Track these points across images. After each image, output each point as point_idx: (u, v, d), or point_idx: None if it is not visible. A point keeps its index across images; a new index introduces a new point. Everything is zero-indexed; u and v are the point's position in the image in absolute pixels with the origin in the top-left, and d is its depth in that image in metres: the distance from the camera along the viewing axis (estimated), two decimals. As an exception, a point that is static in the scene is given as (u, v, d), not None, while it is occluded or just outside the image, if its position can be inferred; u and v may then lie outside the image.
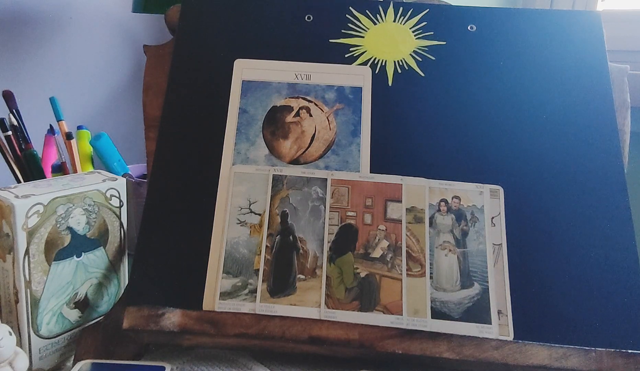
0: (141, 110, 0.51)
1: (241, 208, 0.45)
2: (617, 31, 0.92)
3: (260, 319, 0.41)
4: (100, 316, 0.46)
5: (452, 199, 0.45)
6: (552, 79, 0.48)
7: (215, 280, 0.42)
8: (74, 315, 0.44)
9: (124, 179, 0.47)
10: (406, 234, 0.44)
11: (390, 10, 0.51)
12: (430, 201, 0.45)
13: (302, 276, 0.43)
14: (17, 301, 0.40)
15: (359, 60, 0.49)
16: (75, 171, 0.59)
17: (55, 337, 0.43)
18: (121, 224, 0.47)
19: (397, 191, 0.45)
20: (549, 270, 0.42)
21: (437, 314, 0.41)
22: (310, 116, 0.48)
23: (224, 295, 0.42)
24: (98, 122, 0.86)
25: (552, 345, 0.40)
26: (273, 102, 0.48)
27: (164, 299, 0.42)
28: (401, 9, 0.51)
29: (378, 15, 0.51)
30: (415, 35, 0.50)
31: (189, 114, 0.48)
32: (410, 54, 0.50)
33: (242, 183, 0.45)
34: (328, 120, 0.48)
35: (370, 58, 0.50)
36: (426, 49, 0.50)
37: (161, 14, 0.59)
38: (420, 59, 0.49)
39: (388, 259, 0.43)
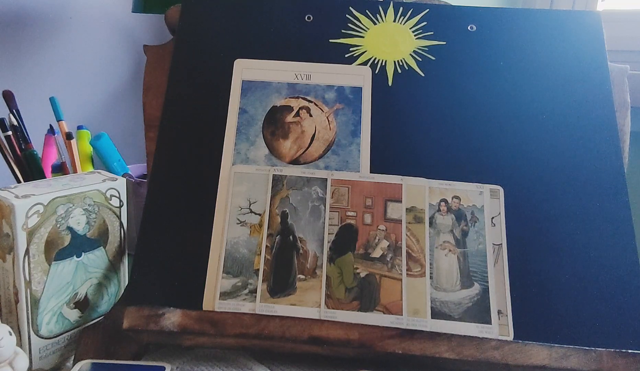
0: (141, 110, 0.51)
1: (241, 208, 0.45)
2: (617, 31, 0.92)
3: (260, 319, 0.41)
4: (100, 316, 0.46)
5: (452, 199, 0.45)
6: (552, 79, 0.48)
7: (215, 280, 0.42)
8: (74, 315, 0.44)
9: (124, 179, 0.47)
10: (406, 234, 0.44)
11: (390, 10, 0.51)
12: (430, 201, 0.45)
13: (302, 276, 0.43)
14: (17, 301, 0.40)
15: (359, 61, 0.49)
16: (75, 171, 0.59)
17: (55, 337, 0.43)
18: (121, 224, 0.47)
19: (397, 191, 0.45)
20: (549, 270, 0.42)
21: (437, 314, 0.41)
22: (310, 116, 0.48)
23: (224, 295, 0.42)
24: (98, 122, 0.86)
25: (552, 345, 0.40)
26: (273, 102, 0.48)
27: (164, 299, 0.42)
28: (401, 9, 0.51)
29: (378, 15, 0.51)
30: (415, 35, 0.50)
31: (189, 114, 0.48)
32: (410, 54, 0.50)
33: (242, 183, 0.45)
34: (328, 120, 0.48)
35: (370, 58, 0.50)
36: (426, 49, 0.50)
37: (161, 14, 0.59)
38: (420, 59, 0.49)
39: (388, 259, 0.43)
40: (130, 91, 0.90)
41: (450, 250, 0.43)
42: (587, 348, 0.40)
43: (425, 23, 0.51)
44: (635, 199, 0.52)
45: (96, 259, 0.45)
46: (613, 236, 0.43)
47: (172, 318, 0.41)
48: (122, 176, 0.60)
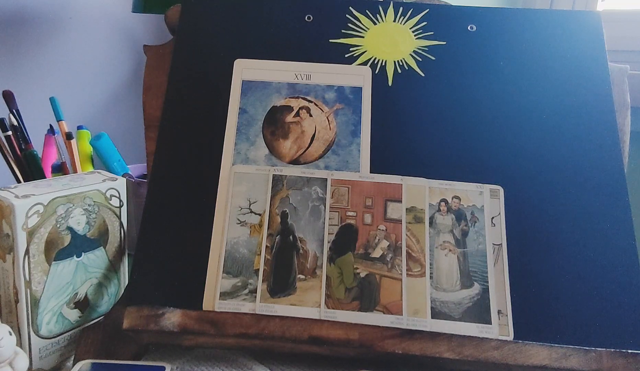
0: (141, 110, 0.51)
1: (241, 208, 0.45)
2: (617, 31, 0.92)
3: (260, 319, 0.41)
4: (100, 316, 0.46)
5: (452, 199, 0.45)
6: (552, 79, 0.48)
7: (215, 280, 0.42)
8: (74, 315, 0.44)
9: (124, 179, 0.47)
10: (406, 234, 0.44)
11: (390, 10, 0.51)
12: (430, 201, 0.45)
13: (302, 276, 0.43)
14: (17, 301, 0.40)
15: (359, 61, 0.49)
16: (75, 171, 0.59)
17: (55, 337, 0.43)
18: (121, 224, 0.47)
19: (397, 191, 0.45)
20: (549, 270, 0.42)
21: (437, 314, 0.41)
22: (310, 116, 0.48)
23: (224, 295, 0.42)
24: (98, 122, 0.86)
25: (552, 345, 0.40)
26: (273, 102, 0.48)
27: (164, 299, 0.42)
28: (401, 9, 0.51)
29: (378, 15, 0.51)
30: (415, 35, 0.50)
31: (189, 114, 0.48)
32: (410, 54, 0.50)
33: (242, 183, 0.45)
34: (328, 120, 0.48)
35: (370, 58, 0.50)
36: (426, 49, 0.50)
37: (161, 14, 0.59)
38: (420, 59, 0.49)
39: (388, 259, 0.43)
40: (130, 91, 0.90)
41: (450, 250, 0.43)
42: (587, 348, 0.40)
43: (425, 23, 0.51)
44: (635, 199, 0.52)
45: (96, 259, 0.45)
46: (613, 236, 0.43)
47: (172, 318, 0.41)
48: (122, 176, 0.60)
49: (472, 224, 0.44)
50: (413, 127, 0.47)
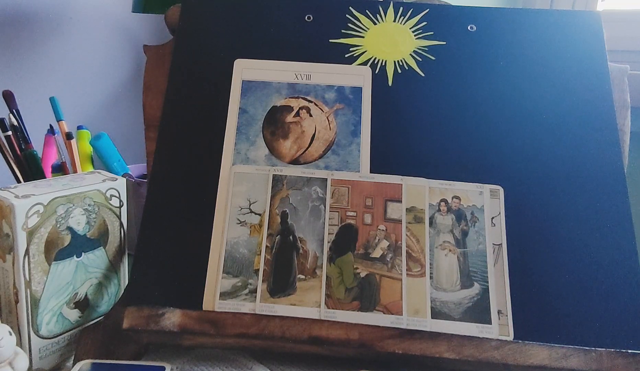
0: (141, 110, 0.51)
1: (241, 208, 0.45)
2: (617, 31, 0.92)
3: (260, 319, 0.41)
4: (100, 316, 0.46)
5: (452, 199, 0.45)
6: (552, 79, 0.48)
7: (215, 280, 0.42)
8: (74, 315, 0.44)
9: (124, 179, 0.47)
10: (406, 234, 0.44)
11: (390, 10, 0.51)
12: (430, 201, 0.45)
13: (302, 276, 0.43)
14: (17, 301, 0.40)
15: (359, 61, 0.49)
16: (75, 171, 0.59)
17: (55, 337, 0.43)
18: (121, 224, 0.47)
19: (397, 191, 0.45)
20: (549, 270, 0.42)
21: (437, 314, 0.41)
22: (310, 116, 0.48)
23: (224, 295, 0.42)
24: (98, 122, 0.86)
25: (552, 345, 0.40)
26: (273, 102, 0.48)
27: (164, 299, 0.42)
28: (401, 9, 0.51)
29: (378, 15, 0.51)
30: (415, 35, 0.50)
31: (189, 114, 0.48)
32: (410, 54, 0.50)
33: (242, 183, 0.45)
34: (328, 120, 0.48)
35: (370, 58, 0.50)
36: (426, 49, 0.50)
37: (161, 14, 0.59)
38: (420, 59, 0.49)
39: (388, 259, 0.43)
40: (130, 91, 0.90)
41: (450, 250, 0.43)
42: (587, 348, 0.40)
43: (425, 23, 0.51)
44: (635, 199, 0.52)
45: (96, 259, 0.45)
46: (613, 236, 0.43)
47: (172, 318, 0.41)
48: (122, 176, 0.60)
49: (472, 224, 0.44)
50: (413, 127, 0.47)
